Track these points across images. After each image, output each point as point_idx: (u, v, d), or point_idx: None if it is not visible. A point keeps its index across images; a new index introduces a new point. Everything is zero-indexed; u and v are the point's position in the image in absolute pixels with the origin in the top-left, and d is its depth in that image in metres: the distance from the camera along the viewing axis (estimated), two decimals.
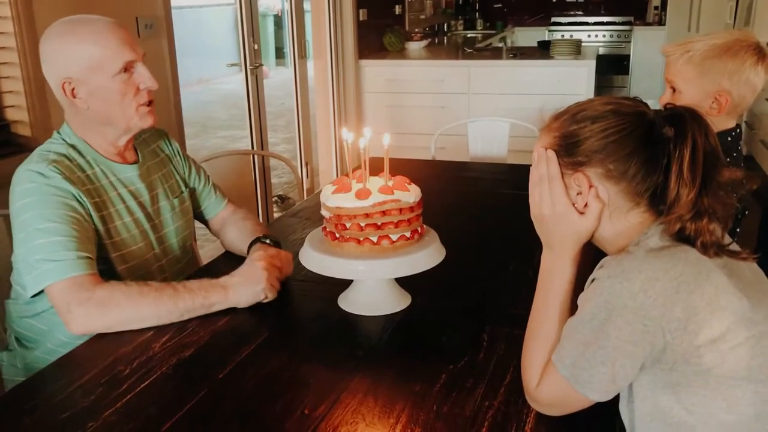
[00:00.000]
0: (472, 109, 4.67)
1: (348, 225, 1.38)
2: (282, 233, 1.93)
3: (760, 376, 0.98)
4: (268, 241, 1.64)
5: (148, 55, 2.66)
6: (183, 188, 1.74)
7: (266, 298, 1.46)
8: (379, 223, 1.38)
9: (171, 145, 1.76)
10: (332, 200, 1.40)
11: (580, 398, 1.00)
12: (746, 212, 1.70)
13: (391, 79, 4.90)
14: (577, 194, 1.06)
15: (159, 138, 1.74)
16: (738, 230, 1.67)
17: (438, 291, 1.55)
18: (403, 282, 1.49)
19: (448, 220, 2.01)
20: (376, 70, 4.90)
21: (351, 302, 1.47)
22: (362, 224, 1.37)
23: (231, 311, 1.45)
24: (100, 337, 1.37)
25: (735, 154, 1.57)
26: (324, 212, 1.43)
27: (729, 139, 1.56)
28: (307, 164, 4.38)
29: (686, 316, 0.94)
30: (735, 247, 1.05)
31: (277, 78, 10.30)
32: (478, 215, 2.15)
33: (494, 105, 4.50)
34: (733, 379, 0.97)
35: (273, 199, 4.13)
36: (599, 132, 1.03)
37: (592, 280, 1.02)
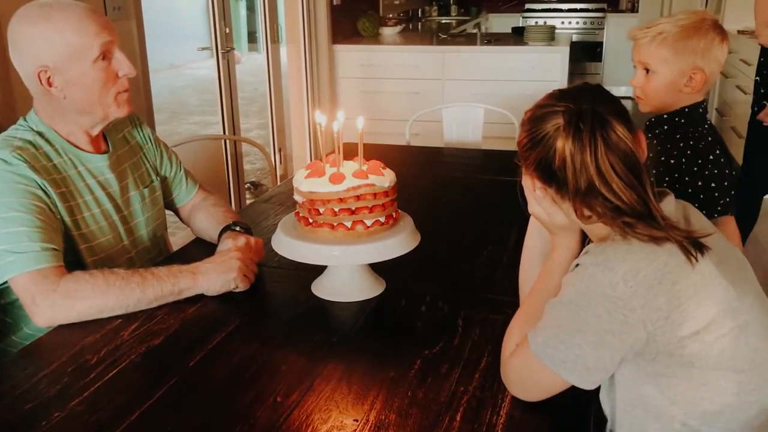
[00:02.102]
0: (447, 95, 4.66)
1: (321, 210, 1.36)
2: (254, 219, 1.90)
3: (744, 366, 0.98)
4: (238, 228, 1.61)
5: (118, 39, 2.63)
6: (154, 177, 1.70)
7: (237, 287, 1.44)
8: (353, 208, 1.36)
9: (142, 131, 1.71)
10: (305, 185, 1.37)
11: (553, 378, 0.99)
12: None
13: (366, 65, 4.86)
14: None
15: (129, 124, 1.69)
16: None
17: (412, 276, 1.54)
18: (378, 267, 1.47)
19: (423, 206, 1.99)
20: (350, 55, 4.86)
21: (325, 288, 1.45)
22: (336, 209, 1.35)
23: (201, 299, 1.42)
24: (66, 326, 1.34)
25: (707, 125, 1.61)
26: (297, 197, 1.40)
27: (700, 110, 1.61)
28: (280, 150, 4.34)
29: (669, 307, 0.93)
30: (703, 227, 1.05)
31: (250, 63, 10.19)
32: (452, 200, 2.14)
33: (469, 91, 4.49)
34: (717, 369, 0.97)
35: (246, 186, 4.08)
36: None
37: (576, 265, 1.02)
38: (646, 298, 0.93)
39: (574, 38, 7.32)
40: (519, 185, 1.13)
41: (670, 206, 1.04)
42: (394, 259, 1.39)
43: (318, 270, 1.47)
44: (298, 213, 1.42)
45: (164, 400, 1.11)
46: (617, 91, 7.67)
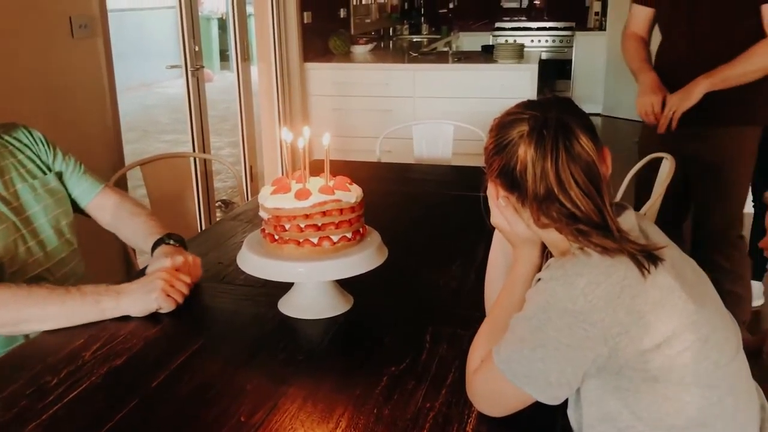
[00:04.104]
0: (418, 112, 4.67)
1: (287, 226, 1.35)
2: (221, 237, 1.89)
3: (707, 380, 0.98)
4: (171, 241, 1.59)
5: (83, 57, 2.60)
6: (46, 171, 1.68)
7: (161, 308, 1.42)
8: (320, 224, 1.35)
9: (31, 135, 1.70)
10: (271, 201, 1.36)
11: (517, 393, 0.99)
12: None
13: (337, 82, 4.87)
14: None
15: (11, 130, 1.68)
16: None
17: (381, 292, 1.53)
18: (346, 283, 1.46)
19: (392, 222, 1.99)
20: (321, 73, 4.86)
21: (291, 306, 1.44)
22: (302, 225, 1.34)
23: (167, 317, 1.40)
24: (25, 347, 1.31)
25: None
26: (262, 213, 1.39)
27: None
28: (251, 168, 4.31)
29: (629, 321, 0.93)
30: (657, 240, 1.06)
31: (223, 81, 10.16)
32: (421, 216, 2.14)
33: (439, 108, 4.51)
34: (680, 383, 0.97)
35: (217, 204, 4.05)
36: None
37: (538, 280, 1.02)
38: (606, 311, 0.93)
39: (544, 56, 7.43)
40: (483, 194, 1.13)
41: (630, 220, 1.05)
42: (362, 274, 1.38)
43: (285, 287, 1.46)
44: (263, 230, 1.41)
45: (126, 421, 1.08)
46: (586, 107, 7.76)
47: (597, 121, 7.62)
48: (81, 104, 2.63)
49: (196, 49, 3.57)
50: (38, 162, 1.68)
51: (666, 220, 2.54)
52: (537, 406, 1.02)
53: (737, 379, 1.02)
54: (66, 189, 1.73)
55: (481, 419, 1.07)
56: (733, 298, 2.46)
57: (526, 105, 1.05)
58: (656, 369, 0.95)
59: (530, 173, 0.99)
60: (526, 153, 1.00)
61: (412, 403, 1.12)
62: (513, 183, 1.03)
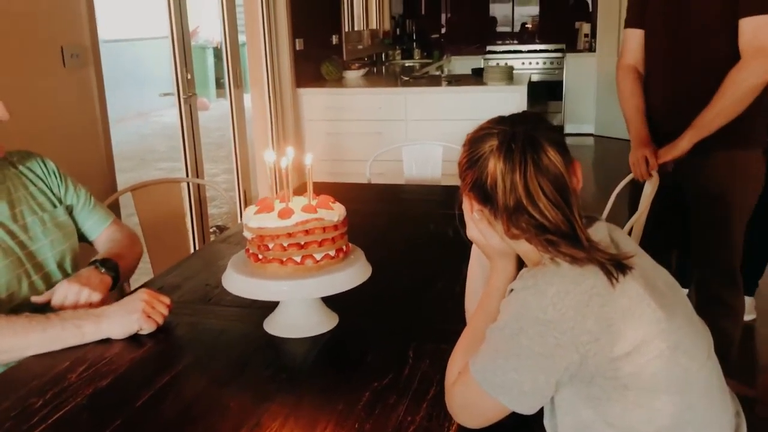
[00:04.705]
0: (410, 134, 4.72)
1: (271, 245, 1.37)
2: (210, 259, 1.91)
3: (677, 387, 0.99)
4: (101, 267, 1.60)
5: (75, 86, 2.64)
6: (57, 204, 1.70)
7: (141, 329, 1.43)
8: (303, 243, 1.37)
9: (45, 166, 1.73)
10: (254, 221, 1.38)
11: (493, 404, 1.00)
12: None
13: (330, 107, 4.92)
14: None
15: (26, 159, 1.71)
16: None
17: (366, 310, 1.55)
18: (331, 301, 1.48)
19: (379, 240, 2.02)
20: (314, 98, 4.92)
21: (276, 325, 1.45)
22: (285, 244, 1.36)
23: (152, 338, 1.42)
24: (13, 370, 1.32)
25: None
26: (246, 233, 1.41)
27: None
28: (244, 192, 4.34)
29: (599, 329, 0.95)
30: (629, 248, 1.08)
31: (219, 109, 10.24)
32: (408, 234, 2.16)
33: (430, 130, 4.55)
34: (651, 391, 0.98)
35: (211, 230, 4.07)
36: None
37: (511, 290, 1.04)
38: (575, 320, 0.94)
39: (536, 78, 7.51)
40: (459, 209, 1.15)
41: (601, 231, 1.07)
42: (347, 293, 1.40)
43: (272, 307, 1.48)
44: (248, 249, 1.43)
45: None
46: (578, 128, 7.85)
47: (589, 141, 7.67)
48: (73, 133, 2.66)
49: (189, 77, 3.61)
50: (50, 194, 1.70)
51: (656, 247, 2.53)
52: (515, 417, 1.03)
53: (709, 385, 1.04)
54: (75, 223, 1.75)
55: (461, 431, 1.08)
56: (723, 336, 2.37)
57: (497, 121, 1.08)
58: (627, 377, 0.96)
59: (500, 186, 1.02)
60: (495, 166, 1.02)
61: (393, 417, 1.13)
62: (485, 196, 1.05)
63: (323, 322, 1.45)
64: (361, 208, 2.44)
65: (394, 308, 1.58)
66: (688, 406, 0.99)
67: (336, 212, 1.41)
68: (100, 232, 1.79)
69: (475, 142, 1.07)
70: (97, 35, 2.77)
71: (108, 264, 1.62)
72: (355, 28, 6.42)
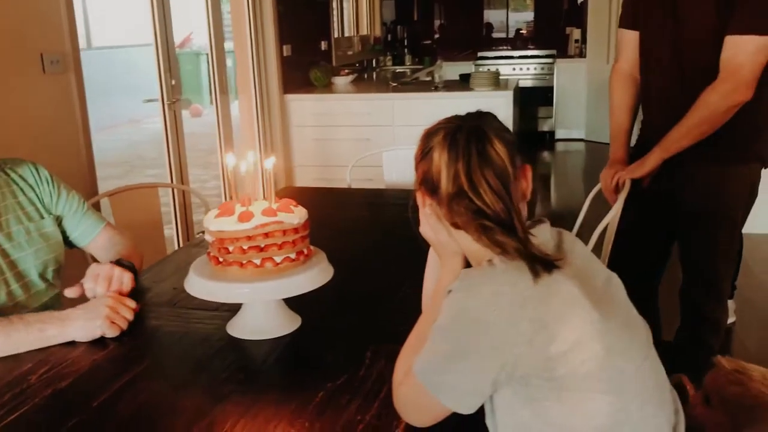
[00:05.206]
0: (397, 140, 4.74)
1: (231, 248, 1.39)
2: (180, 263, 1.92)
3: (612, 388, 1.00)
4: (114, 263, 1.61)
5: (56, 93, 2.66)
6: (45, 215, 1.72)
7: (105, 334, 1.45)
8: (262, 246, 1.39)
9: (38, 173, 1.74)
10: (215, 224, 1.40)
11: (435, 403, 1.02)
12: None
13: (318, 113, 4.94)
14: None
15: (18, 165, 1.72)
16: None
17: (329, 312, 1.57)
18: (295, 304, 1.49)
19: (349, 244, 2.04)
20: (302, 104, 4.94)
21: (238, 327, 1.47)
22: (245, 247, 1.38)
23: (118, 340, 1.44)
24: None
25: None
26: (207, 237, 1.43)
27: None
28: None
29: (533, 330, 0.96)
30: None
31: (212, 116, 10.26)
32: (380, 239, 2.18)
33: (417, 136, 4.58)
34: (587, 391, 0.99)
35: (197, 235, 4.08)
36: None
37: (450, 291, 1.05)
38: (510, 321, 0.96)
39: (527, 84, 7.54)
40: (413, 204, 1.17)
41: (545, 234, 1.09)
42: (312, 295, 1.41)
43: (236, 310, 1.49)
44: (209, 253, 1.45)
45: None
46: (569, 133, 7.88)
47: (580, 146, 7.70)
48: (54, 139, 2.68)
49: (173, 82, 3.64)
50: (38, 204, 1.72)
51: (641, 272, 2.49)
52: (460, 415, 1.05)
53: (645, 385, 1.05)
54: (65, 231, 1.77)
55: (408, 429, 1.10)
56: (704, 347, 2.37)
57: (453, 117, 1.11)
58: (562, 377, 0.97)
59: (444, 175, 1.04)
60: (440, 156, 1.05)
61: (344, 417, 1.14)
62: (432, 188, 1.08)
63: (285, 325, 1.47)
64: (335, 213, 2.47)
65: (356, 311, 1.60)
66: (624, 406, 1.00)
67: (296, 215, 1.43)
68: (93, 236, 1.80)
69: (427, 136, 1.10)
70: (77, 41, 2.79)
71: (124, 263, 1.63)
72: (345, 34, 6.45)
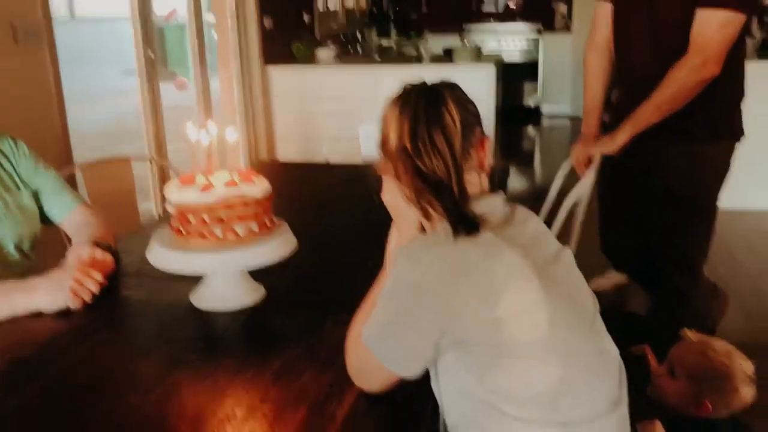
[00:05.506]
0: (381, 112, 4.74)
1: (192, 220, 1.40)
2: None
3: (554, 358, 1.02)
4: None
5: (28, 63, 2.64)
6: (21, 186, 1.73)
7: (69, 304, 1.46)
8: (224, 217, 1.40)
9: (16, 146, 1.75)
10: (176, 195, 1.41)
11: (381, 368, 1.04)
12: None
13: (300, 86, 4.92)
14: None
15: None
16: None
17: (295, 285, 1.58)
18: (262, 277, 1.50)
19: (320, 219, 2.05)
20: (284, 76, 4.91)
21: (201, 298, 1.48)
22: (206, 218, 1.39)
23: (84, 309, 1.45)
24: None
25: None
26: (169, 207, 1.44)
27: None
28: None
29: (474, 296, 0.98)
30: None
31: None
32: (353, 214, 2.19)
33: None
34: (528, 359, 1.01)
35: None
36: None
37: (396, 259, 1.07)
38: (450, 287, 0.98)
39: (513, 58, 7.51)
40: (372, 176, 1.18)
41: (495, 204, 1.10)
42: (279, 268, 1.43)
43: (199, 281, 1.51)
44: (171, 224, 1.46)
45: (21, 409, 1.12)
46: (554, 108, 7.88)
47: (565, 122, 7.71)
48: (27, 110, 2.66)
49: (152, 55, 3.61)
50: (16, 177, 1.72)
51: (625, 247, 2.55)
52: (413, 381, 1.07)
53: (589, 357, 1.07)
54: (41, 207, 1.77)
55: (361, 395, 1.12)
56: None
57: (419, 82, 1.12)
58: (503, 344, 0.99)
59: (392, 131, 1.06)
60: (392, 113, 1.07)
61: (299, 383, 1.17)
62: (384, 147, 1.09)
63: (248, 296, 1.48)
64: (308, 188, 2.48)
65: (321, 284, 1.62)
66: (565, 376, 1.02)
67: (258, 187, 1.44)
68: (68, 213, 1.80)
69: (390, 101, 1.11)
70: (50, 11, 2.76)
71: (103, 245, 1.63)
72: (330, 8, 6.39)
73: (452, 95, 1.08)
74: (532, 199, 4.48)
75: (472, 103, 1.12)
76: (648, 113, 2.19)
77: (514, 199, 1.21)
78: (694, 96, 2.13)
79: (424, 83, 1.11)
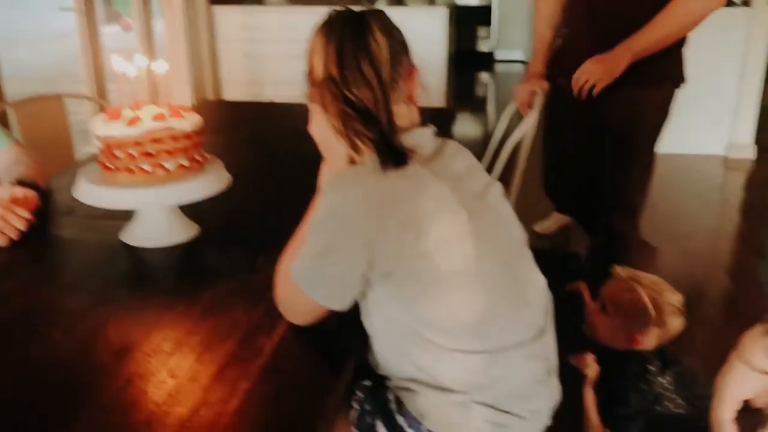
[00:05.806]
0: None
1: (119, 154, 1.36)
2: None
3: (480, 286, 1.03)
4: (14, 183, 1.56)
5: None
6: None
7: None
8: (152, 152, 1.36)
9: None
10: (102, 129, 1.36)
11: (309, 300, 1.04)
12: None
13: (248, 27, 4.79)
14: None
15: None
16: None
17: (229, 222, 1.56)
18: (194, 213, 1.48)
19: (256, 155, 2.02)
20: (230, 17, 4.77)
21: (133, 235, 1.45)
22: (134, 153, 1.35)
23: (10, 248, 1.41)
24: None
25: None
26: (96, 142, 1.39)
27: None
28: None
29: (400, 228, 0.98)
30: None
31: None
32: (288, 151, 2.15)
33: None
34: (454, 288, 1.02)
35: None
36: None
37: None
38: (377, 218, 0.97)
39: (469, 2, 7.42)
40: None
41: (425, 137, 1.09)
42: (213, 205, 1.40)
43: (131, 218, 1.48)
44: (98, 159, 1.42)
45: None
46: (508, 54, 7.85)
47: (519, 69, 7.70)
48: None
49: None
50: None
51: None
52: (340, 312, 1.07)
53: (513, 285, 1.09)
54: None
55: (290, 328, 1.12)
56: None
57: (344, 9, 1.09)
58: (429, 275, 1.00)
59: (319, 58, 1.03)
60: (316, 40, 1.04)
61: (229, 317, 1.16)
62: (310, 76, 1.06)
63: (180, 233, 1.46)
64: (250, 127, 2.44)
65: (257, 221, 1.60)
66: (491, 304, 1.04)
67: (188, 122, 1.40)
68: None
69: (316, 28, 1.08)
70: None
71: (26, 182, 1.57)
72: None
73: (378, 23, 1.05)
74: (482, 145, 4.50)
75: (398, 30, 1.10)
76: (653, 41, 2.15)
77: (466, 145, 1.21)
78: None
79: (350, 10, 1.08)
